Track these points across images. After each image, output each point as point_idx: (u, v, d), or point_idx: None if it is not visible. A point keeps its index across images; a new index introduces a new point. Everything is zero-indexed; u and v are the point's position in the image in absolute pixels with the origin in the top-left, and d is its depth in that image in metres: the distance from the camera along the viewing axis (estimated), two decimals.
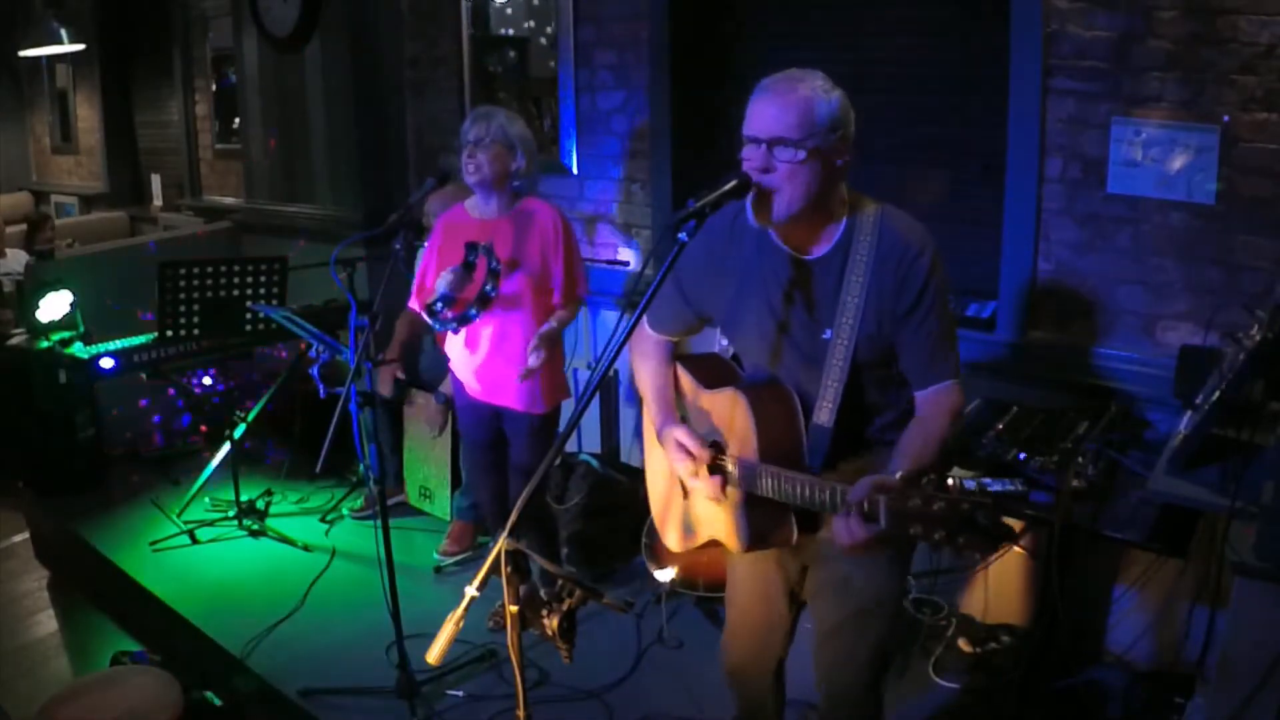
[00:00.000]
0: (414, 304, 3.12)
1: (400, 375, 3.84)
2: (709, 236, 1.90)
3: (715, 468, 1.90)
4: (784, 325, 1.86)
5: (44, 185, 8.38)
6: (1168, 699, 2.63)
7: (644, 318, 2.06)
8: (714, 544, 2.01)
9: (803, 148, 1.69)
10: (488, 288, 2.84)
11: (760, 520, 1.84)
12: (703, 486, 1.88)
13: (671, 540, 2.15)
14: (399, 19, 4.82)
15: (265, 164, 5.58)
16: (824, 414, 1.80)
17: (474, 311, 2.85)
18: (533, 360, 2.85)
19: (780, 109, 1.69)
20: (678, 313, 2.06)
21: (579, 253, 3.02)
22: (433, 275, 3.06)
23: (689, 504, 2.05)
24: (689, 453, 1.88)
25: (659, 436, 2.01)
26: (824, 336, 1.81)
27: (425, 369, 3.94)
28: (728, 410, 1.90)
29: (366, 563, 3.58)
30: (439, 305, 2.84)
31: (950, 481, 1.47)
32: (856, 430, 1.87)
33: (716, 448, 1.92)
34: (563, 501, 3.63)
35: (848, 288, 1.78)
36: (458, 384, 3.14)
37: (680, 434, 1.90)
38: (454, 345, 3.06)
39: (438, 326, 2.90)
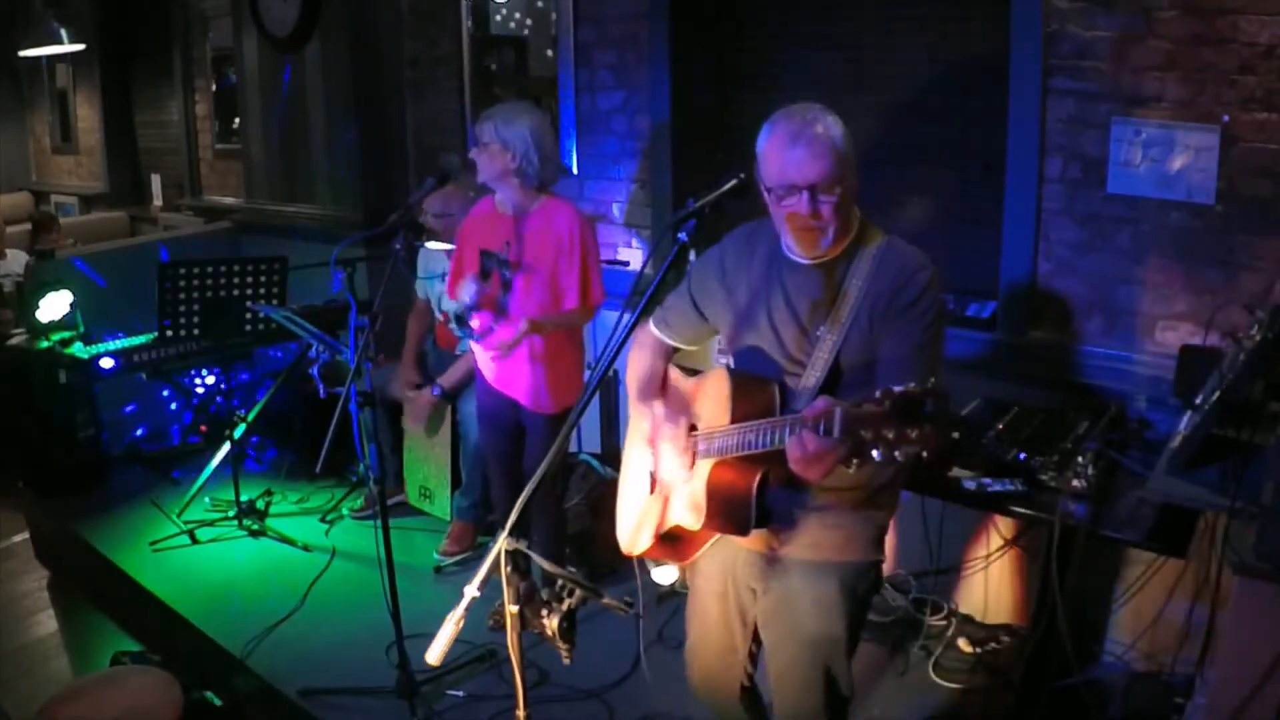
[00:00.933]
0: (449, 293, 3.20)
1: (415, 379, 3.85)
2: (725, 248, 2.01)
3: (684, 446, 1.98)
4: (781, 330, 1.91)
5: (44, 185, 8.38)
6: (1168, 699, 2.63)
7: (650, 320, 2.14)
8: (676, 531, 2.02)
9: (839, 186, 1.78)
10: (504, 299, 2.89)
11: (721, 499, 1.88)
12: (671, 445, 1.99)
13: (644, 541, 2.13)
14: (399, 19, 4.82)
15: (265, 163, 5.58)
16: (802, 400, 1.83)
17: (492, 325, 2.90)
18: (508, 333, 2.84)
19: (813, 155, 1.77)
20: (688, 320, 2.11)
21: (595, 258, 3.01)
22: (454, 267, 3.11)
23: (658, 498, 2.09)
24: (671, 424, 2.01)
25: (634, 401, 2.12)
26: (816, 334, 1.86)
27: (431, 368, 3.94)
28: (708, 385, 1.97)
29: (366, 563, 3.57)
30: (468, 315, 2.87)
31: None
32: None
33: (691, 428, 1.98)
34: (563, 501, 3.62)
35: (847, 290, 1.84)
36: (480, 377, 3.18)
37: (666, 409, 2.04)
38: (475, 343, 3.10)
39: (462, 335, 2.94)
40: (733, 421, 1.84)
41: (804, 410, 1.63)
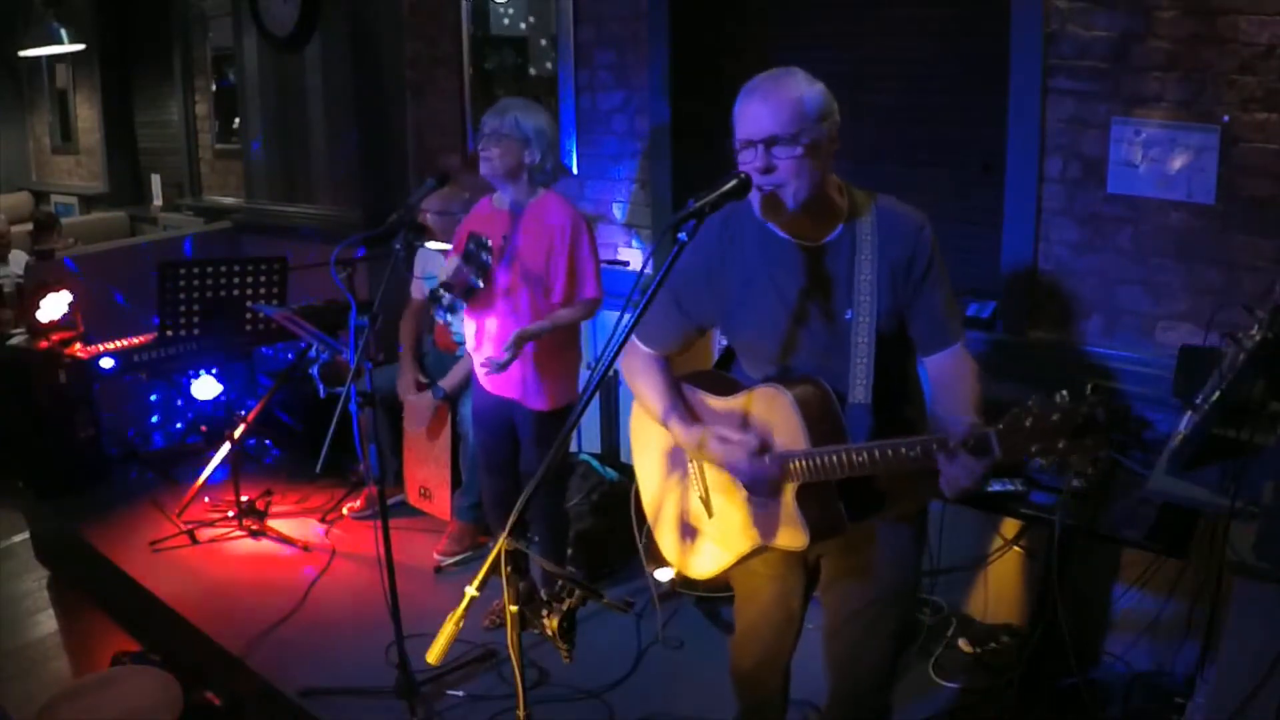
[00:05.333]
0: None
1: (423, 379, 3.85)
2: (702, 244, 1.87)
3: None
4: (799, 315, 1.86)
5: (44, 185, 8.37)
6: (1168, 699, 2.63)
7: (635, 337, 2.00)
8: (760, 552, 1.94)
9: (798, 142, 1.72)
10: (474, 279, 2.85)
11: (815, 512, 1.83)
12: (756, 477, 1.83)
13: (714, 567, 2.05)
14: (399, 19, 4.81)
15: (263, 164, 5.57)
16: (859, 392, 1.80)
17: (460, 302, 2.87)
18: (505, 354, 2.84)
19: (771, 109, 1.73)
20: (676, 327, 2.02)
21: (589, 254, 2.98)
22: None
23: (713, 522, 2.01)
24: (731, 441, 1.84)
25: (679, 437, 1.96)
26: (845, 318, 1.82)
27: (429, 369, 3.94)
28: (764, 408, 1.86)
29: (366, 563, 3.58)
30: (441, 292, 2.86)
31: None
32: (892, 405, 1.87)
33: (764, 448, 1.85)
34: (565, 502, 3.62)
35: (860, 267, 1.81)
36: (476, 380, 3.17)
37: (718, 429, 1.87)
38: (469, 340, 3.11)
39: (435, 312, 2.93)
40: (815, 443, 1.77)
41: (953, 437, 1.61)
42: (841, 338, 1.82)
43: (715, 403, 1.98)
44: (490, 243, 2.86)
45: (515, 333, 2.86)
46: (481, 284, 2.86)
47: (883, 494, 1.89)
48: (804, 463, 1.78)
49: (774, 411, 1.84)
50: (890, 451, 1.68)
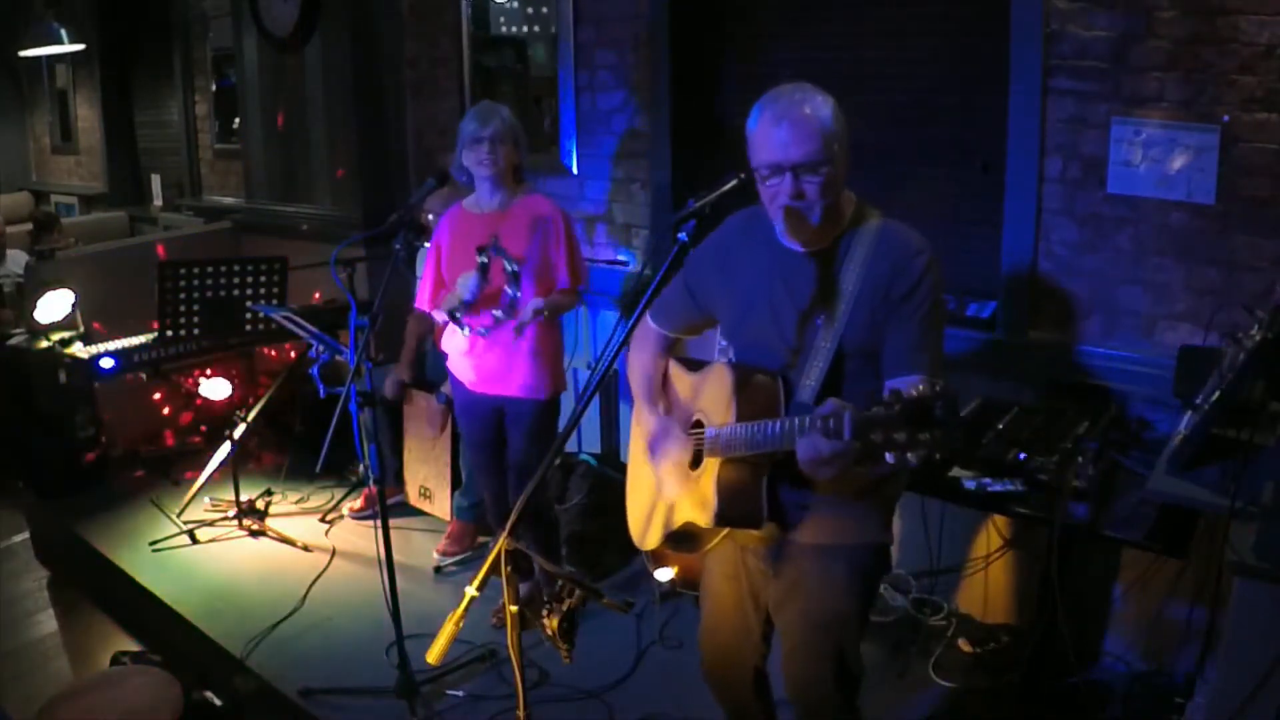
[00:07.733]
0: (421, 305, 3.16)
1: (404, 378, 3.85)
2: (723, 236, 2.00)
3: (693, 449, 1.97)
4: (780, 318, 1.90)
5: (44, 185, 8.37)
6: (1168, 699, 2.63)
7: (648, 313, 2.13)
8: (687, 528, 2.00)
9: (826, 167, 1.76)
10: (510, 290, 2.90)
11: (730, 495, 1.86)
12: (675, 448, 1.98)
13: (653, 538, 2.14)
14: (399, 19, 4.82)
15: (264, 164, 5.57)
16: (805, 392, 1.83)
17: (501, 315, 2.91)
18: (528, 312, 2.88)
19: (798, 135, 1.76)
20: (685, 310, 2.11)
21: (577, 242, 3.07)
22: (434, 277, 3.07)
23: (666, 496, 2.08)
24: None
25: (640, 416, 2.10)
26: (815, 323, 1.85)
27: (429, 369, 3.95)
28: (711, 382, 1.96)
29: (366, 563, 3.58)
30: (459, 313, 2.87)
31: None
32: None
33: (698, 425, 1.97)
34: (563, 501, 3.63)
35: (844, 278, 1.83)
36: (456, 382, 3.15)
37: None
38: (452, 340, 3.08)
39: (467, 333, 2.93)
40: (738, 419, 1.83)
41: (814, 413, 1.62)
42: (808, 343, 1.85)
43: (684, 374, 2.13)
44: (510, 251, 2.90)
45: (530, 304, 2.90)
46: (517, 293, 2.92)
47: (806, 502, 1.90)
48: (716, 441, 1.87)
49: (718, 385, 1.92)
50: (776, 425, 1.74)
